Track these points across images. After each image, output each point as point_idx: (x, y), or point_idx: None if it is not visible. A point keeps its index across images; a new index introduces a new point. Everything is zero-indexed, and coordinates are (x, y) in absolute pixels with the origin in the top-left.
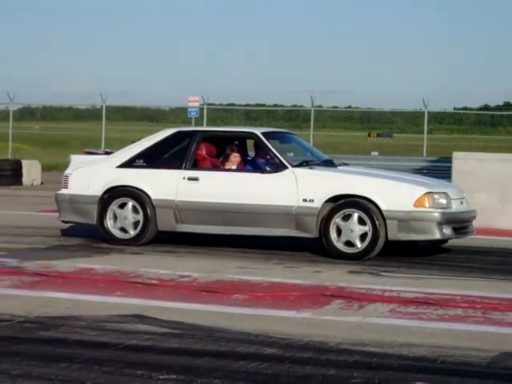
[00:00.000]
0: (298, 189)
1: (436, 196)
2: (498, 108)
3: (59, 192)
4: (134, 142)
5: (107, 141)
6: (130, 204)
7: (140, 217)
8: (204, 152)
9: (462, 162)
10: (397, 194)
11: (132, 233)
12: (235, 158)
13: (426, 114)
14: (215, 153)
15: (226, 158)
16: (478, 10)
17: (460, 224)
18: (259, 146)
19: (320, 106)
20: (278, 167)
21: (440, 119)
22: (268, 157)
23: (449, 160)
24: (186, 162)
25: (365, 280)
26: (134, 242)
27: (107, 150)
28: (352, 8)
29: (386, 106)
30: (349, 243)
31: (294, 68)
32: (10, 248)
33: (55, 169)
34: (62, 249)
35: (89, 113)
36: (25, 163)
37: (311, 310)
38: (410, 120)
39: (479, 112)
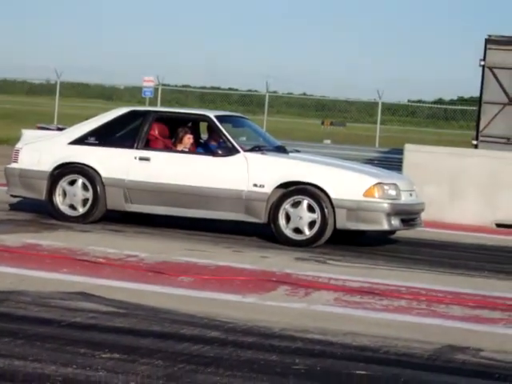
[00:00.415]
0: (248, 173)
1: (386, 187)
2: (451, 102)
3: (9, 166)
4: (87, 119)
5: (60, 117)
6: (80, 181)
7: (89, 194)
8: (156, 132)
9: (413, 154)
10: (347, 183)
11: (81, 210)
12: (188, 139)
13: (379, 104)
14: (168, 134)
15: (179, 140)
16: (436, 1)
17: (408, 216)
18: (212, 129)
19: (275, 92)
20: (230, 151)
21: (394, 111)
22: (220, 140)
23: (400, 152)
24: (138, 141)
25: (311, 267)
26: (83, 219)
27: (60, 126)
28: None
29: (340, 94)
30: (297, 230)
31: (250, 52)
32: None
33: (6, 142)
34: (9, 223)
35: (43, 88)
36: None
37: (257, 295)
38: (364, 110)
39: (433, 105)
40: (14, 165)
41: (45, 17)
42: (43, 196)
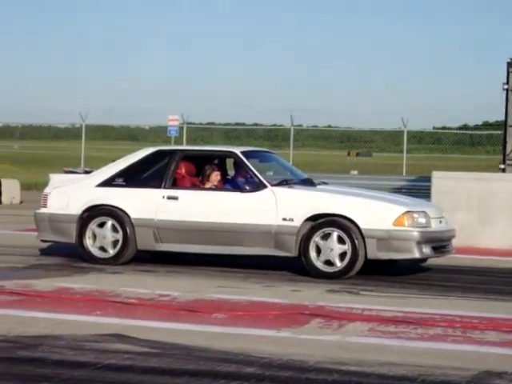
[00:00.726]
0: (277, 208)
1: (415, 215)
2: (476, 128)
3: (38, 211)
4: (114, 161)
5: (87, 160)
6: (110, 223)
7: (119, 236)
8: (183, 171)
9: (441, 181)
10: (376, 212)
11: (111, 252)
12: (215, 176)
13: (405, 133)
14: (195, 172)
15: (206, 177)
16: (456, 28)
17: (439, 243)
18: (239, 165)
19: (299, 125)
20: (258, 186)
21: (419, 138)
22: (247, 176)
23: (428, 179)
24: (165, 180)
25: (344, 299)
26: (114, 261)
27: (87, 169)
28: (330, 26)
29: (365, 125)
30: (328, 262)
31: (273, 86)
32: None
33: (34, 188)
34: (40, 268)
35: (68, 132)
36: (4, 182)
37: (290, 328)
38: (390, 139)
39: (458, 131)
40: (43, 210)
41: (69, 60)
42: (73, 239)
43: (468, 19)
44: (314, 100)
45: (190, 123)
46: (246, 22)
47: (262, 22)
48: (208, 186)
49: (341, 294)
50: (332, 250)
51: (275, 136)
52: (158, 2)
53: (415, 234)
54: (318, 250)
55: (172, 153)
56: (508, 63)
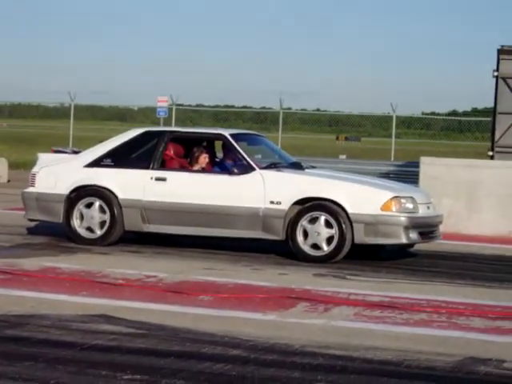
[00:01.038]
0: (265, 191)
1: (403, 200)
2: (465, 114)
3: (26, 190)
4: (102, 141)
5: (75, 140)
6: (97, 203)
7: (107, 216)
8: (172, 152)
9: (429, 166)
10: (364, 197)
11: (98, 232)
12: (204, 158)
13: (394, 118)
14: (183, 153)
15: (195, 159)
16: (446, 13)
17: (426, 229)
18: (227, 148)
19: (289, 109)
20: (246, 169)
21: (408, 124)
22: (236, 158)
23: (416, 165)
24: (153, 162)
25: (330, 283)
26: (101, 241)
27: (75, 149)
28: (322, 11)
29: (354, 109)
30: (315, 246)
31: (263, 69)
32: None
33: (22, 167)
34: (27, 247)
35: (57, 111)
36: None
37: (277, 312)
38: (378, 124)
39: (447, 117)
40: (30, 189)
41: (58, 40)
42: (61, 219)
43: (458, 5)
44: (303, 83)
45: (179, 105)
46: (237, 5)
47: (253, 5)
48: (196, 167)
49: (327, 278)
50: (319, 233)
51: (264, 119)
52: None
53: (402, 219)
54: (306, 234)
55: (160, 134)
56: (498, 50)
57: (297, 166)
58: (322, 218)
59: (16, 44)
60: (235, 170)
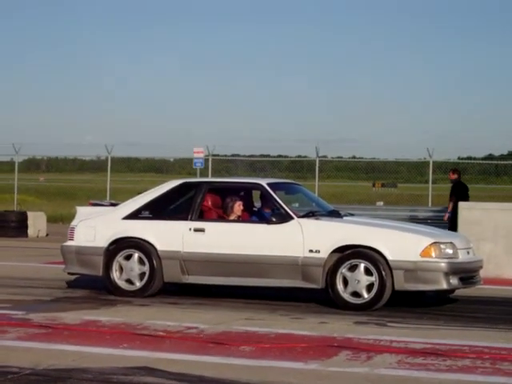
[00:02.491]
0: (304, 239)
1: (442, 246)
2: (502, 157)
3: (65, 244)
4: (140, 193)
5: (112, 192)
6: (136, 255)
7: (146, 268)
8: (210, 203)
9: (467, 211)
10: (403, 244)
11: (138, 284)
12: (239, 206)
13: (430, 163)
14: (221, 204)
15: (230, 209)
16: (482, 60)
17: (467, 274)
18: (265, 197)
19: (324, 157)
20: (284, 218)
21: (444, 169)
22: (274, 207)
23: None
24: (191, 213)
25: (372, 331)
26: (141, 293)
27: (113, 202)
28: (353, 55)
29: (390, 155)
30: (355, 294)
31: (297, 118)
32: (16, 300)
33: (61, 220)
34: (67, 301)
35: (94, 164)
36: (30, 215)
37: (319, 361)
38: (414, 170)
39: (483, 162)
40: (69, 242)
41: (95, 93)
42: (100, 272)
43: (493, 47)
44: (338, 131)
45: (215, 155)
46: (270, 53)
47: (287, 52)
48: (233, 217)
49: (368, 325)
50: (359, 281)
51: (300, 167)
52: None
53: (443, 265)
54: (345, 282)
55: (198, 185)
56: None
57: (335, 214)
58: (362, 266)
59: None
60: (273, 219)
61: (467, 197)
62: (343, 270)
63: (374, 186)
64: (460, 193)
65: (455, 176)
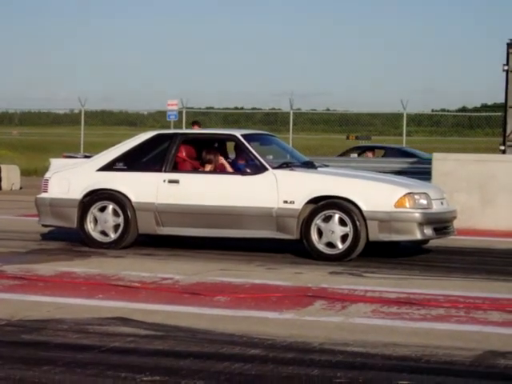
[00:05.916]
0: (278, 190)
1: (416, 196)
2: (475, 110)
3: (39, 196)
4: (114, 145)
5: (86, 145)
6: (111, 207)
7: (120, 220)
8: (184, 154)
9: (441, 162)
10: (377, 194)
11: (113, 236)
12: (216, 159)
13: (404, 115)
14: (195, 155)
15: (207, 161)
16: (455, 10)
17: (441, 224)
18: (240, 148)
19: (298, 109)
20: (259, 169)
21: (418, 121)
22: (248, 159)
23: (428, 161)
24: (166, 164)
25: (347, 281)
26: (115, 245)
27: (87, 154)
28: (331, 10)
29: (364, 108)
30: (330, 244)
31: (271, 71)
32: None
33: (34, 173)
34: (42, 253)
35: (67, 117)
36: (3, 168)
37: (294, 310)
38: (389, 122)
39: (457, 114)
40: (43, 194)
41: (66, 46)
42: (74, 224)
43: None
44: (312, 84)
45: (189, 108)
46: (248, 9)
47: (262, 9)
48: (209, 169)
49: (343, 275)
50: (333, 232)
51: (274, 120)
52: None
53: (417, 215)
54: (320, 233)
55: (173, 136)
56: (508, 44)
57: (309, 165)
58: (336, 216)
59: (24, 52)
60: (248, 171)
61: None
62: (317, 220)
63: (347, 138)
64: None
65: None
